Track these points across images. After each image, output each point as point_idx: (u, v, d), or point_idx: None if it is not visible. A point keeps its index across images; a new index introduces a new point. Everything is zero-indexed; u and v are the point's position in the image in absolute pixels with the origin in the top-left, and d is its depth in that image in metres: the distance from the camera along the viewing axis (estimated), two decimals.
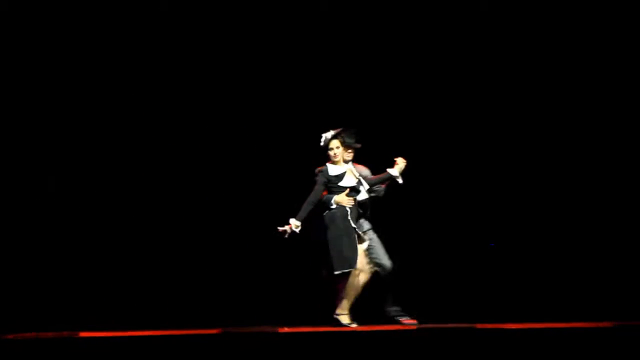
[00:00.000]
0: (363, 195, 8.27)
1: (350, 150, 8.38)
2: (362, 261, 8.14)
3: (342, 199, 8.16)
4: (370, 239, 8.40)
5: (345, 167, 8.28)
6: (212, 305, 9.51)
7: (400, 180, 8.32)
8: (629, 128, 9.75)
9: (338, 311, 8.10)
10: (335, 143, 8.25)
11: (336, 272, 7.97)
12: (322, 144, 8.28)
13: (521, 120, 9.94)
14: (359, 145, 8.38)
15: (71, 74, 9.75)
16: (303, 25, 9.91)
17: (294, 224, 8.02)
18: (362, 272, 8.16)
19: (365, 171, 8.50)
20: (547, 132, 9.91)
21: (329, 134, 8.27)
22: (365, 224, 8.52)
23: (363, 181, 8.28)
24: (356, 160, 8.45)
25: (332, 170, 8.22)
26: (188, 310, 9.45)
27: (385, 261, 8.43)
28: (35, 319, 8.73)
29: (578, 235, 9.74)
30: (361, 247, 8.14)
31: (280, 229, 8.03)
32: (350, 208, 8.17)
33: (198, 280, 9.77)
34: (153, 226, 9.84)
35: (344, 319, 8.08)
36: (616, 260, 9.58)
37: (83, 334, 7.25)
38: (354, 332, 7.31)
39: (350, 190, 8.19)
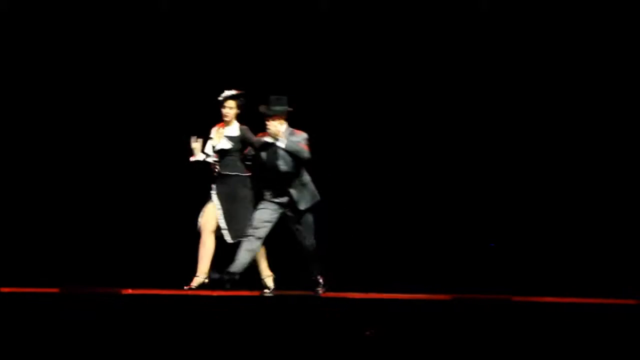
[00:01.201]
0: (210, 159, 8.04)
1: (280, 121, 7.88)
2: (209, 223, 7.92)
3: None
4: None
5: (219, 132, 8.04)
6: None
7: (281, 144, 7.82)
8: (627, 126, 9.29)
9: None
10: (230, 103, 8.00)
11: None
12: (220, 98, 8.00)
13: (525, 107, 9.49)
14: (288, 109, 7.92)
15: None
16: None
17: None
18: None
19: (298, 137, 8.00)
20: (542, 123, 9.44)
21: (230, 92, 8.00)
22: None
23: (220, 146, 7.96)
24: None
25: (213, 131, 8.11)
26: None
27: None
28: None
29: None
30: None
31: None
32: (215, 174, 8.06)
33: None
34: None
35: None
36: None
37: None
38: (200, 296, 7.21)
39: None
